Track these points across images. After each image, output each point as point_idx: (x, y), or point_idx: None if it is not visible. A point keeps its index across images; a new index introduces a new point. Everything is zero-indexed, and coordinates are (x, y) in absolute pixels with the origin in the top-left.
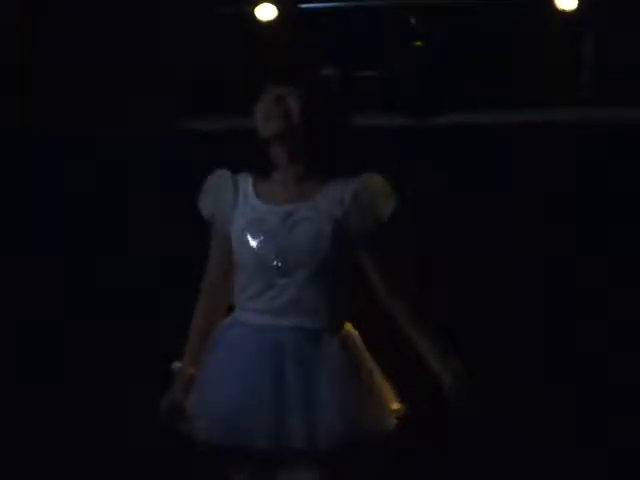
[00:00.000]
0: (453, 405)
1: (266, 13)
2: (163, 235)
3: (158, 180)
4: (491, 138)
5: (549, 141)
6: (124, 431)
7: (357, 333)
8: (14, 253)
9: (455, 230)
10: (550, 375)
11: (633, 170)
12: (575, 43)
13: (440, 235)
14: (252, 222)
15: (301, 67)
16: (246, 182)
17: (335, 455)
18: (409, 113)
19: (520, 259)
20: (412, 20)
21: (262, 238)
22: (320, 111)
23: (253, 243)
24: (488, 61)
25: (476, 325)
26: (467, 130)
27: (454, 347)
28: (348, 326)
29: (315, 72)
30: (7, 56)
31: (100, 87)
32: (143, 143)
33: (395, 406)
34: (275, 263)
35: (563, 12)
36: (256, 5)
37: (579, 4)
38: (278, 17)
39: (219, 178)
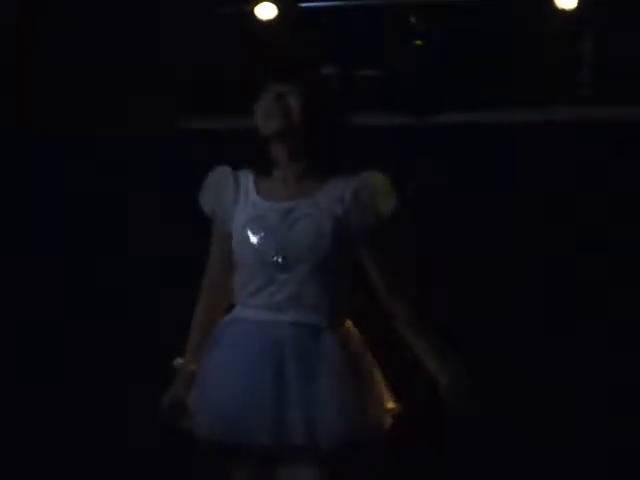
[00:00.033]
0: (449, 406)
1: (266, 12)
2: (163, 235)
3: (158, 180)
4: (491, 137)
5: (549, 140)
6: (124, 431)
7: (358, 332)
8: (14, 253)
9: (454, 229)
10: (550, 375)
11: (633, 170)
12: (575, 42)
13: (440, 234)
14: (253, 218)
15: (301, 65)
16: (247, 179)
17: (335, 453)
18: (409, 112)
19: (520, 258)
20: (412, 19)
21: (262, 234)
22: (320, 109)
23: (253, 239)
24: (488, 60)
25: (476, 324)
26: (467, 129)
27: (453, 347)
28: (349, 324)
29: (315, 70)
30: (7, 56)
31: (100, 87)
32: (143, 143)
33: (394, 405)
34: (275, 259)
35: (563, 11)
36: (256, 4)
37: (579, 3)
38: (278, 16)
39: (220, 175)
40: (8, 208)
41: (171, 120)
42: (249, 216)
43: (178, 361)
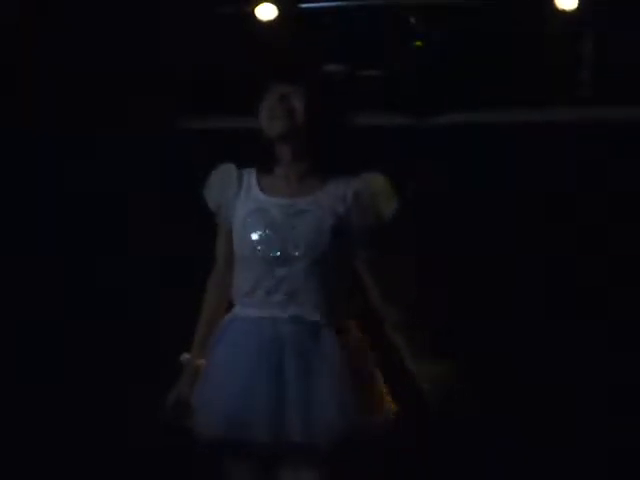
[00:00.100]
0: (433, 410)
1: (266, 13)
2: (163, 235)
3: (158, 180)
4: (491, 138)
5: (549, 140)
6: (124, 431)
7: (359, 332)
8: (14, 253)
9: (454, 229)
10: (550, 375)
11: (633, 170)
12: (575, 43)
13: (440, 234)
14: (253, 212)
15: (304, 66)
16: (250, 176)
17: (334, 452)
18: (409, 113)
19: (520, 258)
20: (412, 20)
21: (263, 229)
22: (323, 110)
23: (253, 233)
24: (488, 61)
25: (476, 324)
26: (467, 130)
27: (447, 350)
28: (351, 325)
29: (318, 71)
30: (7, 56)
31: (100, 87)
32: (143, 143)
33: (394, 406)
34: (275, 254)
35: (563, 12)
36: (256, 5)
37: (579, 4)
38: (278, 17)
39: (224, 171)
40: (8, 208)
41: (171, 120)
42: (250, 210)
43: (185, 356)
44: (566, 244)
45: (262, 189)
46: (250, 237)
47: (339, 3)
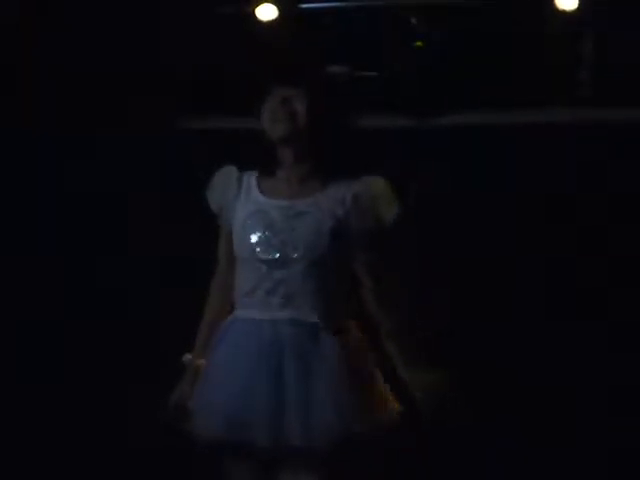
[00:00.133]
0: (425, 418)
1: (266, 13)
2: (163, 235)
3: (158, 180)
4: (491, 138)
5: (549, 142)
6: (124, 431)
7: (359, 332)
8: (14, 253)
9: (454, 230)
10: (550, 376)
11: (633, 171)
12: (575, 43)
13: (440, 235)
14: (253, 214)
15: (306, 68)
16: (250, 178)
17: (334, 453)
18: (410, 114)
19: (520, 260)
20: (412, 20)
21: (262, 230)
22: (325, 112)
23: (253, 235)
24: (488, 61)
25: (476, 325)
26: (467, 131)
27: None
28: (351, 325)
29: (320, 72)
30: (7, 56)
31: (100, 87)
32: (143, 143)
33: (395, 406)
34: (274, 256)
35: (563, 12)
36: (256, 5)
37: (579, 4)
38: (279, 17)
39: (225, 174)
40: (8, 208)
41: (171, 120)
42: (249, 211)
43: (187, 357)
44: (566, 245)
45: (262, 191)
46: (249, 239)
47: (339, 3)
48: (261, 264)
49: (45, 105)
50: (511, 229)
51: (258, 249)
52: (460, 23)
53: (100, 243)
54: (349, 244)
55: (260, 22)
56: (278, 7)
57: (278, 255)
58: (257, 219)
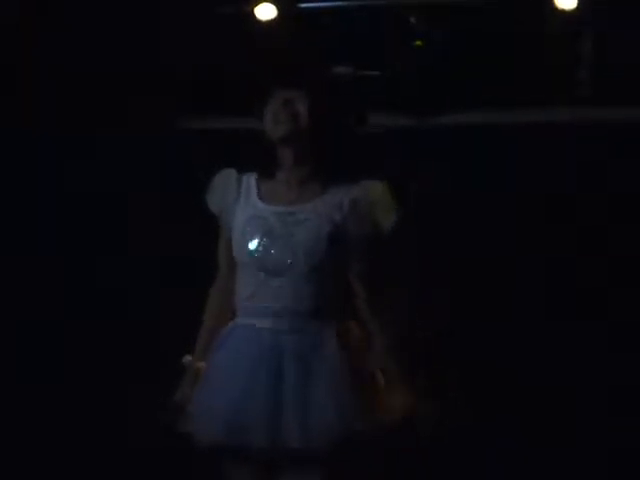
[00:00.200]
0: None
1: (266, 13)
2: (163, 235)
3: (158, 180)
4: (491, 138)
5: (550, 141)
6: (124, 431)
7: (360, 332)
8: (14, 253)
9: (454, 230)
10: (550, 376)
11: (633, 170)
12: (574, 42)
13: (440, 235)
14: (252, 220)
15: (307, 69)
16: (250, 181)
17: (334, 454)
18: (410, 113)
19: (520, 259)
20: (413, 19)
21: (260, 237)
22: (327, 113)
23: (252, 241)
24: (489, 61)
25: (476, 325)
26: (468, 130)
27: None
28: (351, 325)
29: (321, 73)
30: (7, 56)
31: (100, 87)
32: (143, 143)
33: (396, 407)
34: (272, 262)
35: (563, 11)
36: (256, 5)
37: (578, 3)
38: (278, 17)
39: (225, 176)
40: (8, 208)
41: (171, 120)
42: (249, 216)
43: (187, 358)
44: (566, 245)
45: (261, 196)
46: (248, 245)
47: (339, 3)
48: (260, 271)
49: (45, 105)
50: (511, 229)
51: (257, 255)
52: (460, 23)
53: (100, 243)
54: (347, 249)
55: (259, 22)
56: (277, 7)
57: (277, 261)
58: (256, 225)
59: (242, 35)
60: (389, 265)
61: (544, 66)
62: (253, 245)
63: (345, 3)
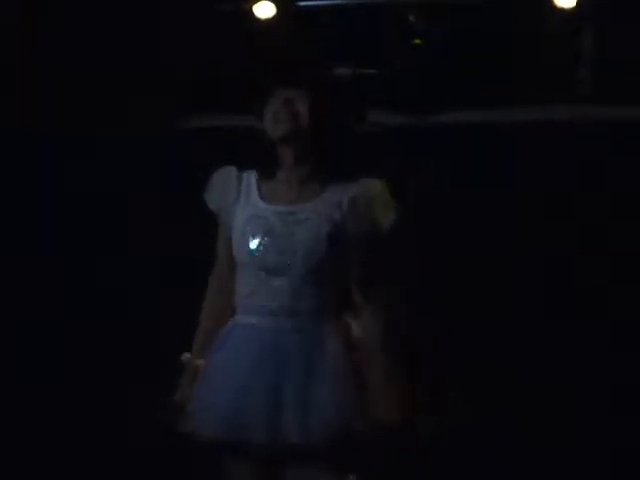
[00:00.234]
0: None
1: (265, 11)
2: (163, 235)
3: (158, 180)
4: (491, 136)
5: (549, 140)
6: (124, 431)
7: (361, 333)
8: (14, 253)
9: (454, 228)
10: (550, 374)
11: (633, 169)
12: (574, 40)
13: (439, 233)
14: (252, 219)
15: (309, 69)
16: (250, 179)
17: (334, 452)
18: (409, 111)
19: (519, 258)
20: (412, 18)
21: (261, 236)
22: (328, 112)
23: (252, 241)
24: (488, 59)
25: (475, 323)
26: (467, 129)
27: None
28: (351, 325)
29: (322, 73)
30: (7, 56)
31: (100, 87)
32: (143, 143)
33: (397, 407)
34: (273, 262)
35: (561, 9)
36: (254, 3)
37: (578, 1)
38: (277, 15)
39: (224, 174)
40: (8, 208)
41: (171, 120)
42: (249, 216)
43: (185, 356)
44: (566, 243)
45: (262, 196)
46: (249, 245)
47: (338, 1)
48: (260, 270)
49: (45, 105)
50: (510, 227)
51: (257, 255)
52: (459, 21)
53: (100, 243)
54: (346, 248)
55: (258, 20)
56: (276, 5)
57: (277, 261)
58: (256, 225)
59: (241, 33)
60: (388, 263)
61: (543, 64)
62: (254, 245)
63: (344, 1)
